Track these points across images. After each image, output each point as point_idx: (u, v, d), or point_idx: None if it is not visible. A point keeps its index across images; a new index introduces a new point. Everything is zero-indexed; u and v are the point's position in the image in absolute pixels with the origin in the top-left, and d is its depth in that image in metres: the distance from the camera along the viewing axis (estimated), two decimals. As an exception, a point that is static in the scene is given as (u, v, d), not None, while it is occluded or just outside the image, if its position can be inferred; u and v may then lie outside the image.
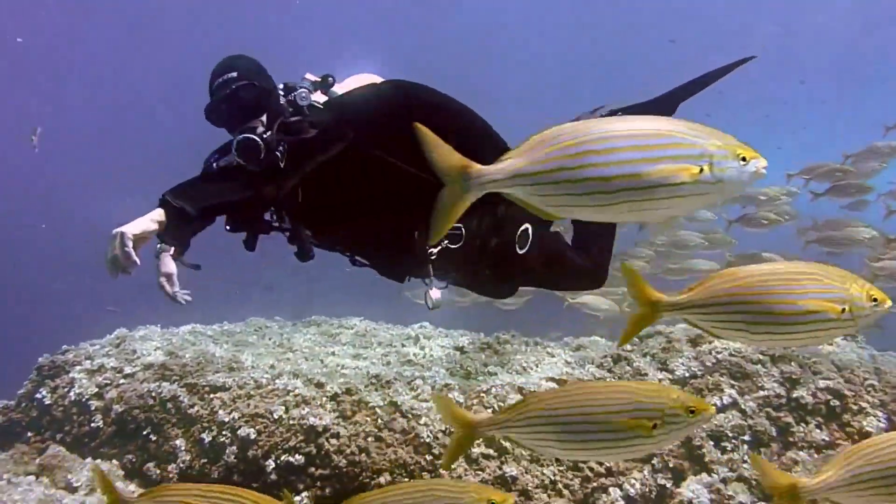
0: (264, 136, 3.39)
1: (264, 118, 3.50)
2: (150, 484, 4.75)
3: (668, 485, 4.68)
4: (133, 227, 3.26)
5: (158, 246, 3.48)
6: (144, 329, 6.31)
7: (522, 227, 3.98)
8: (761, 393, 5.07)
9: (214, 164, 3.55)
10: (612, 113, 4.43)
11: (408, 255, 3.79)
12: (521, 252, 3.98)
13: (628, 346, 5.95)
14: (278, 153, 3.38)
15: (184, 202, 3.22)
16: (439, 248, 3.74)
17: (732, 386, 5.14)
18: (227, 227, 3.69)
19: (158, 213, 3.35)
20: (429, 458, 4.74)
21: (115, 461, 4.86)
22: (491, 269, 4.07)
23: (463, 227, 3.75)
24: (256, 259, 4.19)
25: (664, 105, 4.33)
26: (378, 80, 3.97)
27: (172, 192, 3.32)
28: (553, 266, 4.26)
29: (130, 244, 3.15)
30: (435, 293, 3.85)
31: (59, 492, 4.13)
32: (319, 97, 3.67)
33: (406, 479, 4.62)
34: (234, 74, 3.49)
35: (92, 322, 6.79)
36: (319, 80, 3.71)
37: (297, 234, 3.77)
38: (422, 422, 4.97)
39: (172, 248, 3.45)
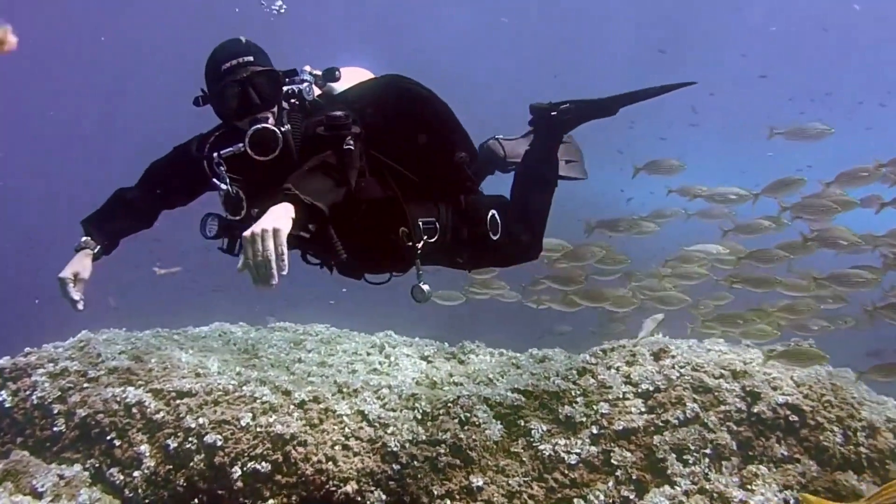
0: (320, 130, 3.37)
1: (275, 110, 3.47)
2: (115, 490, 4.71)
3: (632, 496, 4.75)
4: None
5: (83, 240, 3.57)
6: (108, 332, 6.24)
7: (490, 215, 4.08)
8: (723, 407, 5.16)
9: (247, 149, 3.36)
10: (557, 106, 4.71)
11: (396, 251, 3.84)
12: (495, 238, 4.08)
13: (592, 360, 6.02)
14: (351, 147, 3.30)
15: (314, 199, 2.94)
16: (422, 243, 3.80)
17: (695, 400, 5.23)
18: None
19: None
20: (396, 467, 4.76)
21: (77, 466, 4.80)
22: (468, 254, 4.16)
23: (436, 221, 3.84)
24: (216, 263, 4.15)
25: (609, 106, 4.64)
26: (369, 74, 4.02)
27: (296, 183, 3.02)
28: (514, 244, 4.38)
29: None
30: (425, 286, 3.91)
31: (26, 498, 4.08)
32: (315, 90, 3.68)
33: (373, 489, 4.64)
34: (251, 59, 3.44)
35: (55, 323, 6.69)
36: (321, 73, 3.67)
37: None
38: (389, 431, 5.00)
39: (95, 248, 3.58)
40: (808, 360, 5.56)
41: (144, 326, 6.81)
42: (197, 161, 3.58)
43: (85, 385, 5.23)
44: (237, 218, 3.52)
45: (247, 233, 2.68)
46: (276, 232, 2.69)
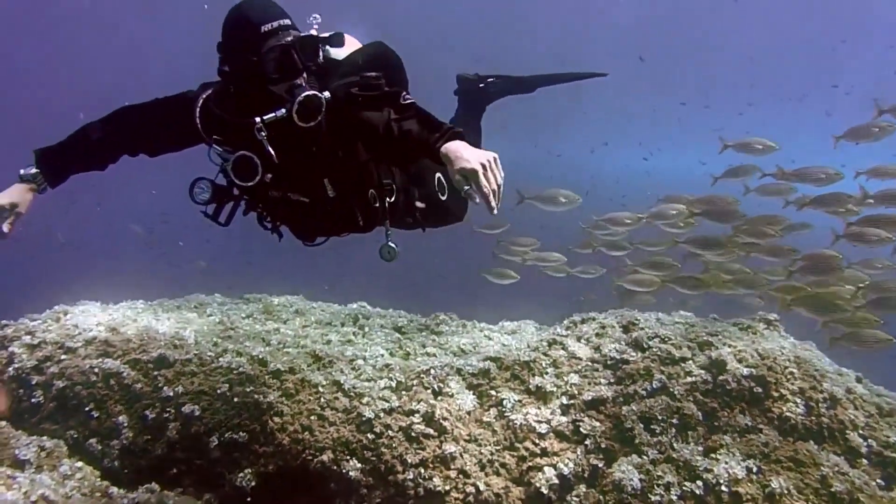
0: (354, 90, 3.53)
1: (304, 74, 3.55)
2: (94, 460, 4.77)
3: (601, 465, 4.88)
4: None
5: (32, 173, 3.55)
6: (84, 305, 6.26)
7: (437, 176, 4.18)
8: (689, 379, 5.29)
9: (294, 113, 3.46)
10: (485, 79, 4.87)
11: (367, 211, 3.93)
12: (443, 198, 4.20)
13: (562, 331, 6.14)
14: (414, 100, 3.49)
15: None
16: (384, 202, 3.91)
17: (662, 371, 5.36)
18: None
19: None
20: (370, 436, 4.86)
21: (57, 438, 4.84)
22: (420, 214, 4.25)
23: (392, 183, 3.93)
24: (190, 234, 4.22)
25: (528, 84, 4.89)
26: (356, 41, 4.09)
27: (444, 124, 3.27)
28: (455, 204, 4.52)
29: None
30: (392, 245, 4.03)
31: (8, 469, 4.12)
32: None
33: (349, 458, 4.74)
34: (289, 21, 3.49)
35: (30, 296, 6.70)
36: (327, 37, 3.67)
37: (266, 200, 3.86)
38: (364, 401, 5.09)
39: (41, 186, 3.57)
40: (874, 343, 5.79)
41: (121, 298, 6.83)
42: (189, 116, 3.61)
43: (62, 357, 5.25)
44: (248, 184, 3.61)
45: (475, 165, 2.90)
46: (497, 158, 2.96)
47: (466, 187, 2.96)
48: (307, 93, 3.41)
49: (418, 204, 4.31)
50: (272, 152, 3.52)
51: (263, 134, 3.47)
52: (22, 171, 3.54)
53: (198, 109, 3.62)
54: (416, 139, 3.28)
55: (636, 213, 8.22)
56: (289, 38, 3.41)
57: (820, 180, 7.69)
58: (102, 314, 6.01)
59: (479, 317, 7.40)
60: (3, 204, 3.40)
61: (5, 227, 3.40)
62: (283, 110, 3.43)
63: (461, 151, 3.01)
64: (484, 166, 2.92)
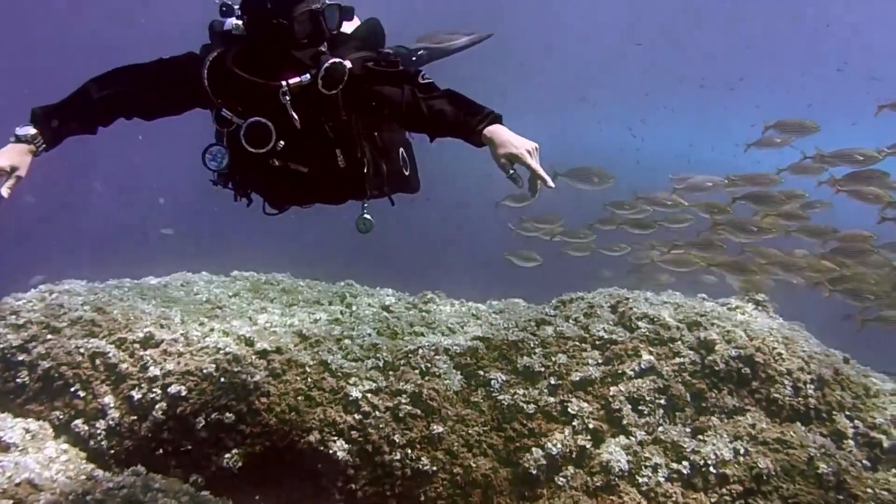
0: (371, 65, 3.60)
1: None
2: (80, 441, 4.75)
3: (588, 445, 4.88)
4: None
5: (31, 133, 3.32)
6: (69, 283, 6.20)
7: (399, 151, 4.21)
8: (678, 360, 5.29)
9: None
10: (418, 52, 5.05)
11: (349, 181, 3.94)
12: (406, 173, 4.29)
13: (551, 311, 6.13)
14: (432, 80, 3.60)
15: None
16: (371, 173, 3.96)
17: (651, 352, 5.35)
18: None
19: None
20: (357, 416, 4.85)
21: (42, 420, 4.81)
22: (387, 188, 4.23)
23: (363, 156, 3.94)
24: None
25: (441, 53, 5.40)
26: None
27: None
28: (415, 177, 4.55)
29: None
30: (368, 216, 4.10)
31: (-6, 452, 4.11)
32: None
33: (336, 438, 4.73)
34: None
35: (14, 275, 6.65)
36: (346, 8, 3.65)
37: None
38: (351, 381, 5.07)
39: (40, 148, 3.35)
40: None
41: (105, 277, 6.78)
42: (196, 77, 3.51)
43: (48, 336, 5.20)
44: (262, 150, 3.57)
45: (522, 151, 3.10)
46: (538, 148, 3.17)
47: (511, 171, 3.14)
48: (333, 60, 3.42)
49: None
50: (296, 117, 3.49)
51: (288, 98, 3.45)
52: (18, 131, 3.33)
53: (205, 70, 3.55)
54: (453, 119, 3.38)
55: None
56: (317, 5, 3.41)
57: (857, 162, 7.79)
58: (87, 294, 5.95)
59: (466, 294, 7.37)
60: (2, 166, 3.19)
61: (4, 192, 3.19)
62: (308, 76, 3.42)
63: (508, 136, 3.16)
64: (529, 152, 3.10)
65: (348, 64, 3.49)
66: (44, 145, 3.39)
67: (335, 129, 3.67)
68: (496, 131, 3.20)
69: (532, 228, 9.61)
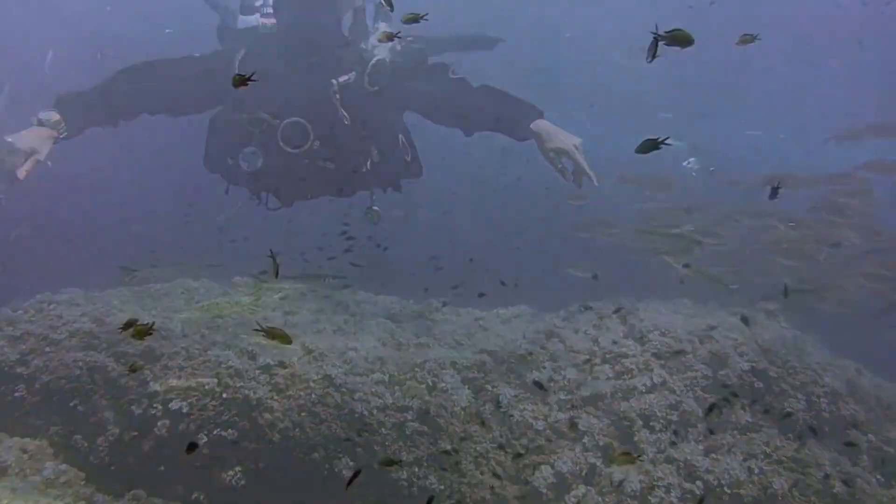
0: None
1: None
2: (79, 458, 4.65)
3: (599, 463, 4.79)
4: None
5: (55, 120, 3.28)
6: (67, 293, 6.09)
7: (400, 139, 4.17)
8: (689, 374, 5.20)
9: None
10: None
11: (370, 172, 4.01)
12: (408, 160, 4.27)
13: (559, 323, 6.03)
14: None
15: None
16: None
17: (662, 366, 5.26)
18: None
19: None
20: (363, 433, 4.74)
21: (40, 438, 4.70)
22: (389, 175, 4.29)
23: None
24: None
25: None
26: None
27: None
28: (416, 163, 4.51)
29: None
30: (376, 208, 4.18)
31: (-10, 476, 4.00)
32: None
33: (341, 456, 4.63)
34: None
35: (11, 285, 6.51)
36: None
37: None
38: (356, 396, 4.97)
39: (62, 135, 3.31)
40: None
41: (105, 284, 6.67)
42: (222, 79, 3.43)
43: (46, 349, 5.10)
44: (297, 150, 3.60)
45: (568, 146, 3.21)
46: (581, 144, 3.27)
47: (560, 165, 3.28)
48: (379, 56, 3.45)
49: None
50: (345, 115, 3.51)
51: (338, 96, 3.46)
52: (41, 115, 3.29)
53: (236, 70, 3.49)
54: (497, 114, 3.48)
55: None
56: (359, 3, 3.41)
57: None
58: (86, 303, 5.84)
59: (473, 302, 7.26)
60: (22, 148, 3.12)
61: (21, 174, 3.12)
62: (354, 73, 3.40)
63: (555, 131, 3.28)
64: (576, 147, 3.22)
65: (388, 59, 3.52)
66: (66, 132, 3.32)
67: (374, 124, 3.73)
68: (543, 126, 3.29)
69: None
